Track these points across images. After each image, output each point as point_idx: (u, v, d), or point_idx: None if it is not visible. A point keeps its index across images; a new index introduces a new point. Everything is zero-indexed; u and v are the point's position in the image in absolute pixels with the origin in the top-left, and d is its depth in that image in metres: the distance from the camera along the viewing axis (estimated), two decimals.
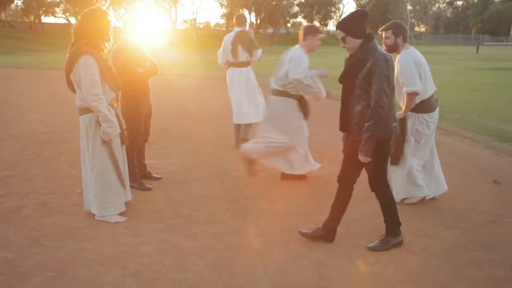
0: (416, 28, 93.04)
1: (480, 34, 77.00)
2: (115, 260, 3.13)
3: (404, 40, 4.01)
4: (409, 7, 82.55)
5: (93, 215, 3.80)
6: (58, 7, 56.50)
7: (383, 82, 2.97)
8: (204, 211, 4.04)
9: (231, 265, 3.08)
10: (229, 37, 6.26)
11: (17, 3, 57.73)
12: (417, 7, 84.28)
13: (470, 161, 5.69)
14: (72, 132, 7.20)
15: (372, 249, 3.29)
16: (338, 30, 3.11)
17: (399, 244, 3.33)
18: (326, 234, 3.43)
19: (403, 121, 4.03)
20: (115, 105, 3.77)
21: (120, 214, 3.83)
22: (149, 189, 4.54)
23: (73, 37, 3.57)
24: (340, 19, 3.18)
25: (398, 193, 4.12)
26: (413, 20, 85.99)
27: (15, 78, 16.31)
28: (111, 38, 3.63)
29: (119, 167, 3.75)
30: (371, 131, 3.00)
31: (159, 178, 4.88)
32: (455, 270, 3.03)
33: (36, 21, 53.34)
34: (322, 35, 4.63)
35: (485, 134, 7.23)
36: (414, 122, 4.06)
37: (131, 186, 4.39)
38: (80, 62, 3.43)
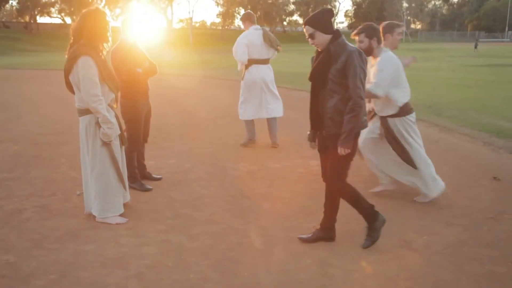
0: (412, 25, 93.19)
1: (475, 31, 77.18)
2: (118, 261, 3.13)
3: (379, 42, 3.96)
4: (405, 4, 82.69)
5: (94, 216, 3.79)
6: (53, 7, 56.29)
7: (360, 74, 3.02)
8: (205, 211, 4.04)
9: (233, 265, 3.09)
10: (256, 35, 6.07)
11: (12, 3, 57.46)
12: (413, 4, 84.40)
13: (469, 158, 5.71)
14: (70, 133, 7.19)
15: (367, 246, 3.27)
16: (307, 27, 3.12)
17: (384, 222, 3.33)
18: (326, 234, 3.44)
19: (389, 129, 4.10)
20: (115, 106, 3.76)
21: (121, 215, 3.83)
22: (149, 189, 4.54)
23: (72, 38, 3.56)
24: (308, 17, 3.18)
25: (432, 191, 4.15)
26: (409, 17, 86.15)
27: (11, 79, 16.24)
28: (110, 38, 3.62)
29: (120, 168, 3.75)
30: (353, 122, 3.03)
31: (159, 179, 4.88)
32: (457, 267, 3.05)
33: (32, 21, 53.11)
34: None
35: (482, 131, 7.26)
36: (403, 126, 4.10)
37: (131, 187, 4.39)
38: (79, 63, 3.42)
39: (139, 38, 4.40)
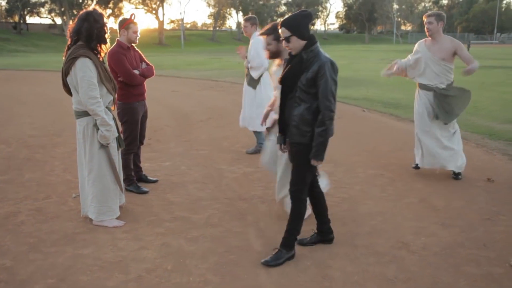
0: (403, 27, 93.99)
1: (465, 33, 77.99)
2: (116, 265, 3.10)
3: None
4: (395, 6, 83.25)
5: (91, 220, 3.76)
6: (43, 7, 55.74)
7: (332, 86, 2.91)
8: (203, 213, 4.03)
9: (233, 268, 3.08)
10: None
11: (1, 3, 56.80)
12: (403, 6, 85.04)
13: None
14: (63, 135, 7.13)
15: (265, 263, 3.11)
16: (284, 29, 2.95)
17: (292, 257, 3.19)
18: (323, 237, 3.44)
19: None
20: (112, 108, 3.74)
21: (117, 218, 3.81)
22: (146, 192, 4.52)
23: (69, 39, 3.53)
24: (286, 18, 3.01)
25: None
26: (399, 19, 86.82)
27: (1, 80, 16.06)
28: (108, 40, 3.60)
29: (117, 171, 3.72)
30: (323, 136, 2.95)
31: (155, 181, 4.85)
32: (455, 269, 3.07)
33: (21, 21, 52.58)
34: None
35: (475, 132, 7.33)
36: None
37: (127, 190, 4.37)
38: (77, 64, 3.39)
39: (135, 40, 4.38)
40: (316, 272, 3.04)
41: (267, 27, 3.60)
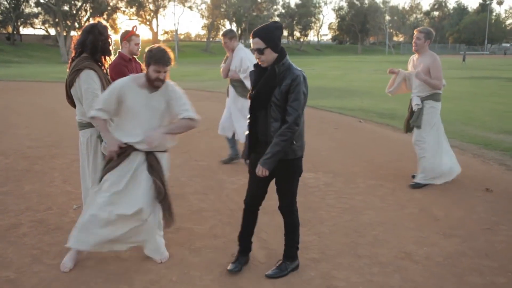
0: (395, 38, 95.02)
1: (456, 44, 79.01)
2: (121, 276, 3.10)
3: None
4: (387, 17, 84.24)
5: None
6: (37, 18, 55.75)
7: (302, 100, 2.88)
8: (205, 224, 4.03)
9: (237, 279, 3.08)
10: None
11: None
12: (395, 17, 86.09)
13: (461, 170, 5.81)
14: (61, 146, 7.11)
15: (269, 276, 3.11)
16: (258, 39, 2.86)
17: (296, 268, 3.20)
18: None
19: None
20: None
21: None
22: None
23: (73, 51, 3.55)
24: (258, 28, 2.93)
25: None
26: (391, 30, 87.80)
27: None
28: (112, 52, 3.63)
29: None
30: (281, 146, 2.87)
31: None
32: (458, 279, 3.10)
33: (15, 32, 52.54)
34: None
35: (471, 142, 7.41)
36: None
37: None
38: (81, 76, 3.41)
39: (137, 52, 4.41)
40: (320, 282, 3.05)
41: None
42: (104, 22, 3.60)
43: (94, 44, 3.45)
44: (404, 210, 4.38)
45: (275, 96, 2.88)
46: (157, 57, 3.07)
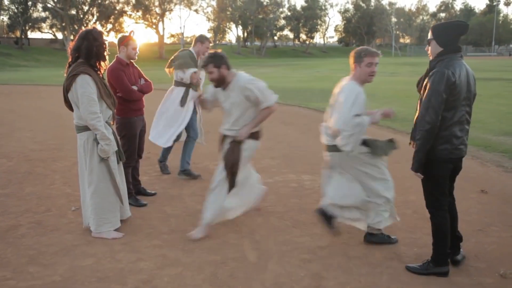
0: (401, 40, 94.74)
1: (463, 45, 78.58)
2: (114, 277, 3.17)
3: (228, 68, 3.77)
4: (394, 19, 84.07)
5: (91, 231, 3.84)
6: (44, 22, 56.34)
7: (432, 98, 3.01)
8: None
9: (229, 279, 3.14)
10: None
11: (2, 18, 57.38)
12: (402, 19, 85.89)
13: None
14: (63, 149, 7.23)
15: (408, 268, 3.24)
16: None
17: (441, 275, 3.15)
18: None
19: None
20: (112, 122, 3.84)
21: (117, 230, 3.88)
22: (144, 205, 4.59)
23: (70, 56, 3.65)
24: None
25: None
26: (398, 32, 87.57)
27: (3, 95, 16.22)
28: (107, 57, 3.71)
29: (117, 184, 3.81)
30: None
31: (154, 194, 4.93)
32: (446, 279, 3.13)
33: (23, 36, 53.11)
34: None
35: (471, 144, 7.38)
36: None
37: None
38: (77, 81, 3.51)
39: (134, 56, 4.49)
40: (310, 282, 3.10)
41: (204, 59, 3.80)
42: (99, 28, 3.70)
43: (89, 50, 3.55)
44: (397, 212, 4.40)
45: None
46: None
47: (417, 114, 3.19)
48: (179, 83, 5.50)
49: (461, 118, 3.08)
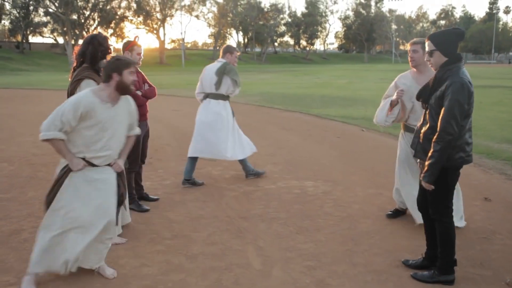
0: (401, 47, 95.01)
1: (463, 53, 78.86)
2: (118, 282, 3.15)
3: None
4: (394, 26, 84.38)
5: None
6: (46, 27, 56.52)
7: (454, 107, 2.98)
8: (203, 231, 4.08)
9: (233, 286, 3.12)
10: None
11: (4, 23, 57.56)
12: (402, 26, 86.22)
13: (461, 179, 5.73)
14: None
15: (413, 276, 3.22)
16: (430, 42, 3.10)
17: (447, 283, 3.12)
18: None
19: None
20: None
21: (120, 235, 3.86)
22: (147, 210, 4.58)
23: (75, 61, 3.65)
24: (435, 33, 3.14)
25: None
26: (398, 39, 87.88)
27: (4, 99, 16.23)
28: None
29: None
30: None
31: (156, 199, 4.92)
32: (453, 287, 3.11)
33: (24, 41, 53.26)
34: None
35: (473, 152, 7.38)
36: None
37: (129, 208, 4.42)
38: (82, 86, 3.51)
39: (139, 61, 4.49)
40: None
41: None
42: (104, 33, 3.70)
43: (93, 55, 3.55)
44: (402, 219, 4.40)
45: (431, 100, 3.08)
46: (127, 60, 3.13)
47: (426, 126, 3.14)
48: (224, 97, 5.58)
49: (470, 125, 3.09)
